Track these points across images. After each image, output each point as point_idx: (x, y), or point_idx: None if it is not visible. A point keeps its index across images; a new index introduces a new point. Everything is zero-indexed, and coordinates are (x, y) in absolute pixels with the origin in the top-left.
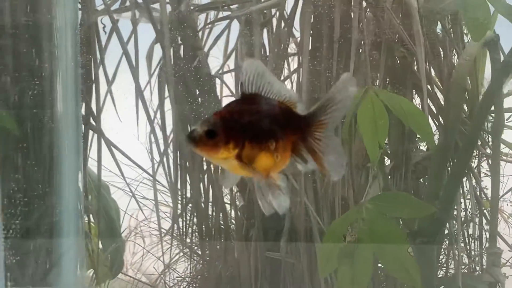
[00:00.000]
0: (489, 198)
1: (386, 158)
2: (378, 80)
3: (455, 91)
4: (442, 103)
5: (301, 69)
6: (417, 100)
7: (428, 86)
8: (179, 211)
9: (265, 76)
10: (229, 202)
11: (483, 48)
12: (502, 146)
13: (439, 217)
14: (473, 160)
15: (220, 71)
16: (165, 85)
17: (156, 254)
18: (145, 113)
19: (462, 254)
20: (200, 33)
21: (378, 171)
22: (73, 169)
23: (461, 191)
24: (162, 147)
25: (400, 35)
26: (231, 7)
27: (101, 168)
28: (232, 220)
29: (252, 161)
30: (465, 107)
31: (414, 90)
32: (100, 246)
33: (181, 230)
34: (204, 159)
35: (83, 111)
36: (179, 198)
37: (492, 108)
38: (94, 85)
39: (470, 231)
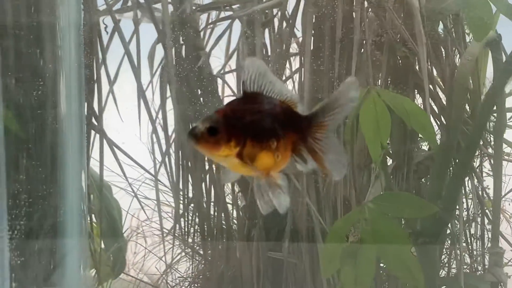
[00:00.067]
0: (491, 198)
1: (388, 157)
2: (380, 80)
3: (457, 91)
4: (444, 103)
5: (303, 69)
6: (419, 100)
7: (430, 86)
8: (181, 211)
9: (266, 75)
10: (231, 202)
11: (485, 48)
12: (504, 145)
13: (441, 217)
14: (475, 160)
15: (222, 71)
16: (167, 85)
17: (158, 254)
18: (147, 113)
19: (464, 254)
20: (201, 33)
21: (380, 171)
22: (76, 170)
23: (463, 191)
24: (164, 147)
25: (402, 35)
26: (233, 7)
27: (103, 168)
28: (234, 220)
29: (253, 160)
30: (467, 107)
31: (416, 90)
32: (102, 245)
33: (183, 230)
34: (206, 159)
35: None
36: (181, 198)
37: (494, 108)
38: (96, 85)
39: (472, 231)
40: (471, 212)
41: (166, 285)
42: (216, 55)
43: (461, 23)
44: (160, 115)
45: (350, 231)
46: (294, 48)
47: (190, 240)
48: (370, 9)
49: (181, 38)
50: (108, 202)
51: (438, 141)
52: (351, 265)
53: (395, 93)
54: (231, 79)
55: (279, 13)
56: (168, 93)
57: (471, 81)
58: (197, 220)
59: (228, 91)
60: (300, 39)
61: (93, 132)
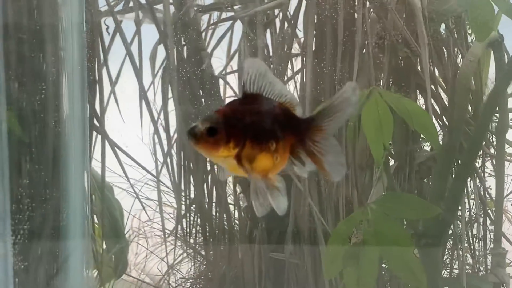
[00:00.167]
0: (494, 199)
1: (390, 158)
2: (382, 81)
3: (459, 91)
4: (446, 103)
5: (305, 69)
6: (421, 101)
7: (432, 87)
8: (182, 212)
9: (266, 76)
10: (233, 202)
11: (487, 49)
12: (506, 146)
13: (444, 218)
14: (477, 160)
15: (224, 72)
16: (169, 85)
17: (159, 255)
18: (148, 114)
19: (466, 254)
20: (203, 34)
21: (382, 171)
22: (79, 172)
23: (465, 191)
24: (165, 148)
25: (403, 35)
26: (234, 7)
27: (105, 169)
28: (236, 221)
29: (251, 161)
30: (469, 108)
31: (418, 91)
32: (104, 246)
33: (185, 231)
34: (207, 159)
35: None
36: (183, 199)
37: (497, 108)
38: (97, 86)
39: (474, 231)
40: (473, 212)
41: (168, 286)
42: (217, 56)
43: (463, 24)
44: (162, 116)
45: (353, 233)
46: (296, 48)
47: (192, 241)
48: (372, 10)
49: (182, 39)
50: (110, 203)
51: (440, 142)
52: (353, 267)
53: (397, 94)
54: (233, 80)
55: (281, 14)
56: (170, 94)
57: (473, 82)
58: (199, 221)
59: (229, 92)
60: (302, 40)
61: (94, 133)
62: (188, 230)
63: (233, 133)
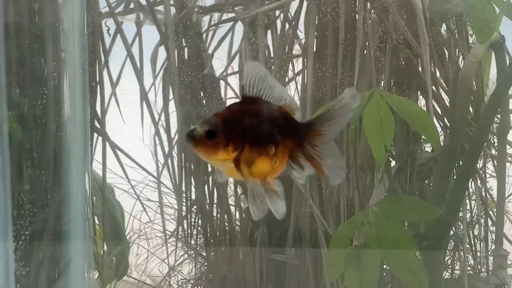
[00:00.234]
0: (495, 200)
1: (391, 159)
2: (383, 82)
3: (461, 92)
4: (447, 104)
5: (306, 70)
6: (422, 102)
7: (433, 87)
8: (183, 213)
9: (266, 80)
10: (234, 204)
11: (488, 50)
12: (507, 147)
13: (445, 220)
14: (479, 161)
15: (224, 73)
16: (170, 87)
17: (160, 256)
18: (149, 115)
19: (467, 255)
20: (204, 35)
21: (384, 173)
22: (80, 175)
23: (466, 192)
24: (166, 149)
25: (405, 36)
26: (235, 8)
27: (106, 170)
28: (237, 222)
29: (250, 165)
30: (470, 109)
31: (419, 91)
32: (105, 248)
33: (186, 232)
34: None
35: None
36: (184, 200)
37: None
38: (98, 87)
39: (476, 233)
40: (474, 213)
41: (169, 287)
42: (218, 57)
43: (463, 24)
44: (162, 117)
45: (354, 235)
46: (297, 49)
47: (193, 242)
48: (373, 10)
49: (183, 41)
50: (111, 205)
51: (441, 143)
52: (355, 269)
53: (398, 95)
54: (234, 81)
55: (282, 15)
56: (171, 95)
57: (474, 83)
58: (200, 222)
59: (230, 93)
60: (303, 41)
61: (95, 135)
62: (189, 231)
63: (232, 137)
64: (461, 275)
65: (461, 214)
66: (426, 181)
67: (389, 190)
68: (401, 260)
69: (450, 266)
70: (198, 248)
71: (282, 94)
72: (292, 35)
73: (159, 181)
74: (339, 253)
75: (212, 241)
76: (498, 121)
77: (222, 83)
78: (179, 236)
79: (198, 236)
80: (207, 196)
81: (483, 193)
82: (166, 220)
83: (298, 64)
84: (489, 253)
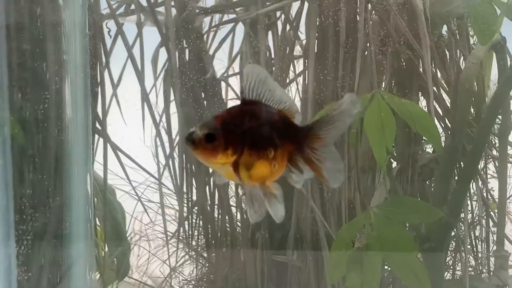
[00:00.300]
0: (496, 200)
1: (392, 160)
2: (384, 83)
3: (462, 94)
4: (448, 105)
5: (306, 71)
6: (423, 103)
7: (434, 88)
8: (185, 214)
9: (266, 83)
10: (235, 205)
11: (489, 51)
12: (509, 148)
13: (447, 221)
14: (480, 162)
15: (225, 74)
16: (171, 88)
17: (162, 257)
18: (150, 116)
19: (469, 256)
20: (205, 36)
21: (385, 174)
22: (82, 179)
23: (468, 193)
24: (167, 150)
25: (406, 37)
26: (236, 10)
27: (107, 172)
28: (238, 223)
29: (249, 168)
30: (472, 110)
31: (420, 92)
32: (106, 249)
33: (187, 233)
34: None
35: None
36: (185, 201)
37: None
38: (99, 89)
39: (477, 233)
40: (476, 214)
41: None
42: (219, 58)
43: (465, 26)
44: (163, 119)
45: (356, 237)
46: (298, 51)
47: (194, 243)
48: (373, 11)
49: (184, 42)
50: (112, 206)
51: (443, 144)
52: (357, 271)
53: (399, 97)
54: (235, 82)
55: (283, 16)
56: (172, 97)
57: (475, 84)
58: (201, 223)
59: (231, 94)
60: (304, 42)
61: (96, 136)
62: (190, 232)
63: (231, 140)
64: (462, 276)
65: (462, 215)
66: (427, 182)
67: (390, 191)
68: (403, 262)
69: (451, 267)
70: (199, 249)
71: (282, 97)
72: (293, 36)
73: (160, 182)
74: (341, 255)
75: (213, 242)
76: (499, 122)
77: (223, 84)
78: (180, 237)
79: (199, 237)
80: (208, 197)
81: (485, 194)
82: (167, 221)
83: (299, 65)
84: (491, 254)
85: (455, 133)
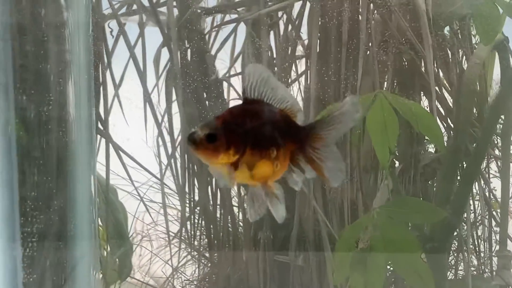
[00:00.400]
0: (499, 200)
1: (394, 160)
2: (386, 83)
3: (465, 93)
4: (451, 105)
5: (309, 71)
6: (425, 102)
7: (437, 88)
8: (187, 214)
9: (269, 82)
10: (237, 205)
11: (492, 51)
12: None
13: (450, 221)
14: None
15: (227, 74)
16: (173, 88)
17: (164, 257)
18: (152, 116)
19: (471, 256)
20: (207, 36)
21: (388, 174)
22: (86, 180)
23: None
24: (170, 150)
25: (408, 37)
26: (238, 10)
27: (109, 172)
28: (240, 223)
29: (251, 168)
30: (474, 110)
31: (422, 92)
32: (109, 249)
33: (189, 233)
34: None
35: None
36: (187, 201)
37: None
38: (101, 89)
39: (480, 233)
40: (478, 214)
41: None
42: (221, 58)
43: (467, 26)
44: (166, 119)
45: (360, 238)
46: (300, 50)
47: (196, 243)
48: (376, 11)
49: (186, 42)
50: (114, 206)
51: (445, 144)
52: (360, 272)
53: (401, 97)
54: (237, 82)
55: (285, 16)
56: (174, 97)
57: (478, 84)
58: (203, 223)
59: (233, 94)
60: (306, 41)
61: (98, 136)
62: (192, 232)
63: (233, 140)
64: (465, 276)
65: (464, 214)
66: (429, 182)
67: (393, 192)
68: (407, 262)
69: (454, 267)
70: (201, 250)
71: (285, 96)
72: (295, 36)
73: (162, 183)
74: (345, 256)
75: (215, 242)
76: (502, 122)
77: (225, 84)
78: (182, 238)
79: (201, 237)
80: (211, 197)
81: (487, 194)
82: (170, 221)
83: (301, 65)
84: (493, 253)
85: (457, 133)
